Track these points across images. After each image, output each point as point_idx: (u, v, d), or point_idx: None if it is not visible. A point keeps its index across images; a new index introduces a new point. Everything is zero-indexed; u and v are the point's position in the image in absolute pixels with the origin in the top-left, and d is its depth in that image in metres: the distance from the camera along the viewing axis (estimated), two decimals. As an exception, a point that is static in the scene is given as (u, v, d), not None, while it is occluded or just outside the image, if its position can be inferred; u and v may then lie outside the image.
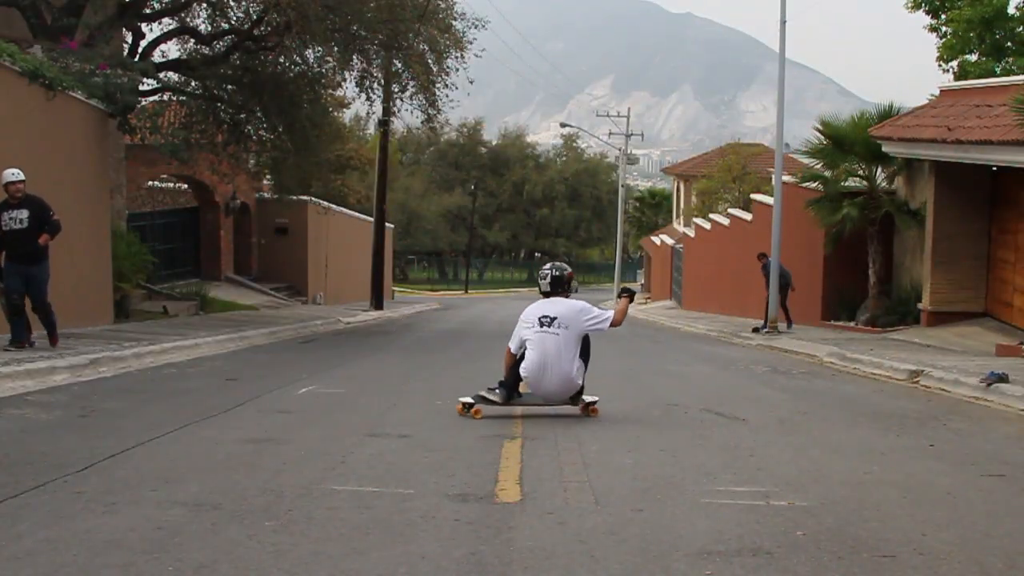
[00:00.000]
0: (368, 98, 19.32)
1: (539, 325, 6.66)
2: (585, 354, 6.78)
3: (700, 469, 4.90)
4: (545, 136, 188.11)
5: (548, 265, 7.14)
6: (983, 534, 3.74)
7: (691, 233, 34.09)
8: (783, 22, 17.31)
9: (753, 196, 25.91)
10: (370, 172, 35.37)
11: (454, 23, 18.73)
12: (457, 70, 18.87)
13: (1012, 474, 4.99)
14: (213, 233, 26.31)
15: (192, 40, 18.62)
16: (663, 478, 4.65)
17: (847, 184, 17.46)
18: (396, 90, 20.45)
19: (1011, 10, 23.00)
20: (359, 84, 18.78)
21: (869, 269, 17.06)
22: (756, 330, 17.04)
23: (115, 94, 13.76)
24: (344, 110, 34.20)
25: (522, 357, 6.70)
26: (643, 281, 60.72)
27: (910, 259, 17.10)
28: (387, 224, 32.26)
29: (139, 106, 16.03)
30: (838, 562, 3.30)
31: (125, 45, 17.58)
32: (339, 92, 23.91)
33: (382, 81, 19.52)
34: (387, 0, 16.35)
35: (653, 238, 49.52)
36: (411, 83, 19.29)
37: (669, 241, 41.96)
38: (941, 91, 17.06)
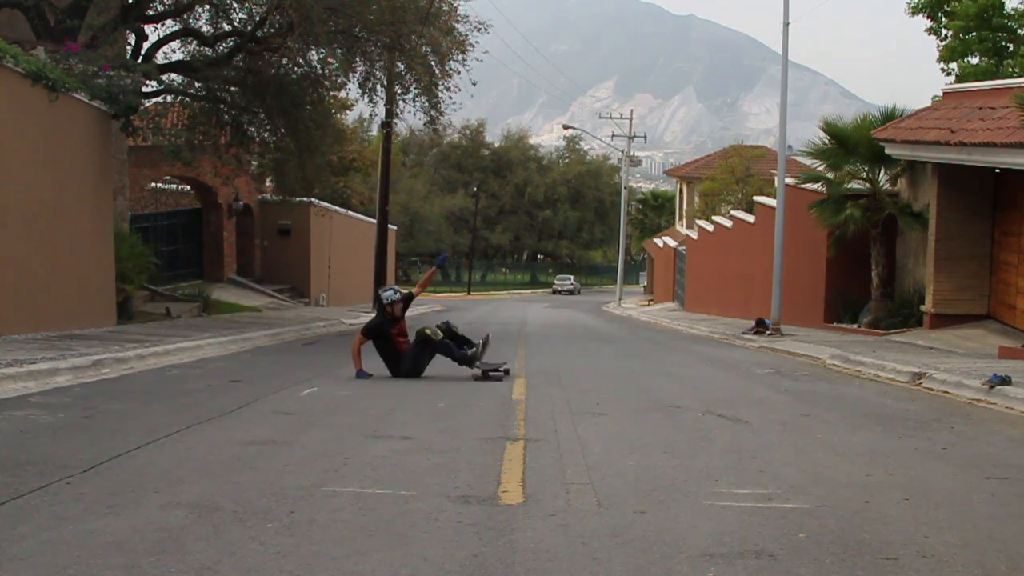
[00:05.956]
0: (371, 100, 19.34)
1: None
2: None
3: (702, 471, 4.90)
4: (548, 138, 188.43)
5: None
6: (986, 536, 3.74)
7: (694, 235, 34.10)
8: (786, 24, 17.32)
9: (756, 198, 25.90)
10: (373, 174, 35.42)
11: (457, 25, 18.74)
12: (459, 72, 18.89)
13: (1015, 476, 4.98)
14: (216, 235, 26.37)
15: (195, 42, 18.65)
16: (665, 480, 4.65)
17: (850, 186, 17.46)
18: (399, 92, 20.49)
19: (1009, 9, 23.02)
20: (362, 86, 18.80)
21: (872, 271, 17.05)
22: (758, 332, 17.02)
23: (118, 96, 13.79)
24: (347, 112, 34.32)
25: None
26: (646, 283, 60.76)
27: (913, 261, 17.08)
28: (390, 226, 32.28)
29: (142, 108, 16.05)
30: (840, 564, 3.30)
31: (128, 47, 17.61)
32: (342, 94, 23.96)
33: (385, 83, 19.54)
34: (389, 2, 16.36)
35: (656, 240, 49.53)
36: (414, 85, 19.31)
37: (672, 243, 41.98)
38: (944, 93, 17.05)
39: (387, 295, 9.76)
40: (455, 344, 9.55)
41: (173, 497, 4.07)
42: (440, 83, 18.95)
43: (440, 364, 10.34)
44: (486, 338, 9.70)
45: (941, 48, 24.52)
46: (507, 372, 9.58)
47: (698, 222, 34.01)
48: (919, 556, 3.43)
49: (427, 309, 33.61)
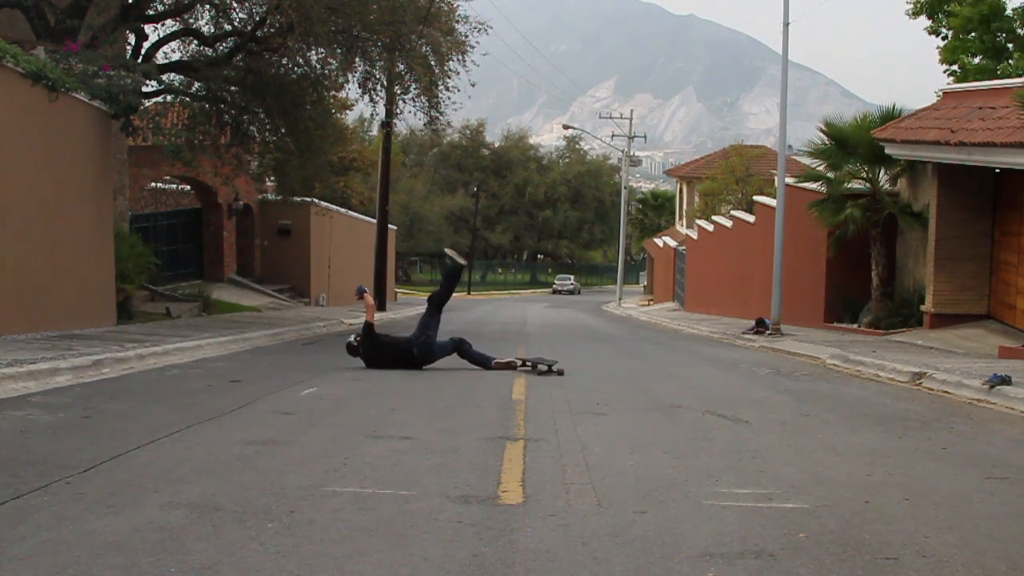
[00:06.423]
0: (371, 100, 19.34)
1: None
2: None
3: (702, 471, 4.90)
4: (548, 138, 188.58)
5: None
6: (986, 536, 3.74)
7: (694, 235, 34.11)
8: (786, 24, 17.32)
9: (756, 198, 25.91)
10: (373, 174, 35.44)
11: (456, 26, 18.74)
12: (458, 73, 18.88)
13: (1015, 476, 4.98)
14: (216, 234, 26.38)
15: (195, 42, 18.66)
16: (665, 480, 4.65)
17: (850, 186, 17.46)
18: (399, 92, 20.49)
19: (1009, 11, 23.03)
20: (362, 86, 18.81)
21: (872, 271, 17.05)
22: (758, 332, 17.02)
23: (118, 95, 13.78)
24: (347, 112, 34.34)
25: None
26: (646, 283, 60.78)
27: (913, 261, 17.09)
28: (390, 225, 32.30)
29: (142, 108, 16.05)
30: (840, 564, 3.30)
31: (128, 47, 17.61)
32: (342, 94, 23.97)
33: (385, 83, 19.54)
34: (389, 2, 16.36)
35: (656, 240, 49.54)
36: (413, 85, 19.31)
37: (672, 243, 41.99)
38: (944, 93, 17.06)
39: (353, 338, 10.52)
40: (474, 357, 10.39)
41: (173, 497, 4.07)
42: (440, 83, 18.95)
43: (441, 367, 10.36)
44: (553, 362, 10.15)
45: (941, 48, 24.53)
46: (560, 372, 9.80)
47: (698, 222, 34.02)
48: (919, 556, 3.43)
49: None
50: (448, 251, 10.95)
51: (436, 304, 10.54)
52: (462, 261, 10.90)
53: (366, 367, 10.25)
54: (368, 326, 10.33)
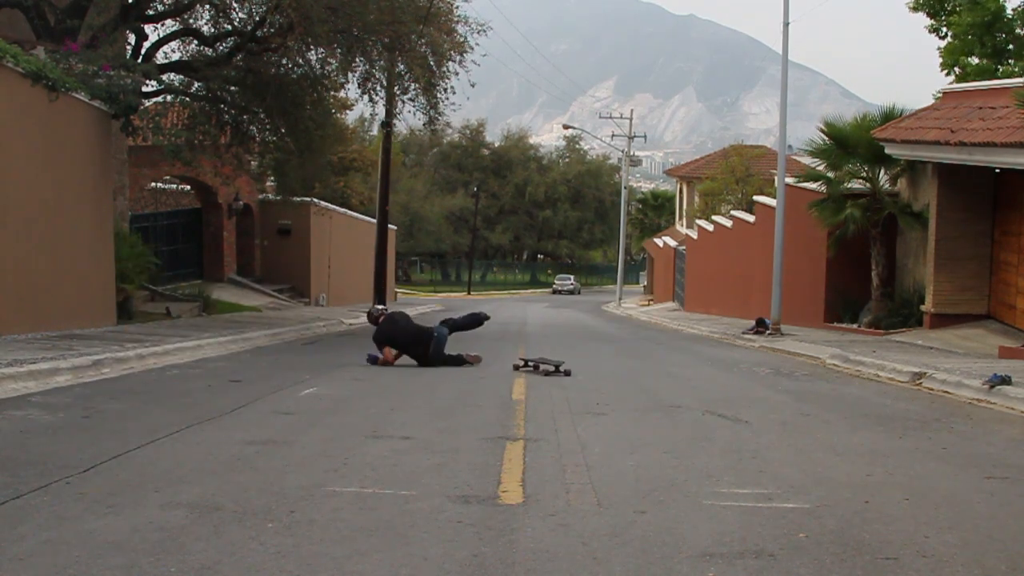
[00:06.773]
0: (371, 100, 19.32)
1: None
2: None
3: (702, 471, 4.90)
4: (548, 138, 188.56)
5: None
6: (986, 536, 3.74)
7: (694, 235, 34.11)
8: (786, 24, 17.32)
9: (756, 198, 25.90)
10: (373, 174, 35.44)
11: (456, 27, 18.73)
12: (456, 74, 18.88)
13: (1015, 476, 4.98)
14: (216, 234, 26.37)
15: (195, 42, 18.64)
16: (665, 480, 4.65)
17: (850, 186, 17.46)
18: (398, 92, 20.47)
19: (1009, 12, 23.04)
20: (361, 86, 18.78)
21: (872, 271, 17.05)
22: (758, 332, 17.03)
23: (118, 95, 13.78)
24: (347, 112, 34.35)
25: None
26: (646, 283, 60.79)
27: (913, 261, 17.09)
28: (390, 226, 32.29)
29: (142, 108, 16.04)
30: (840, 564, 3.30)
31: (128, 47, 17.60)
32: (342, 94, 23.96)
33: (384, 83, 19.52)
34: (389, 2, 16.35)
35: (656, 240, 49.54)
36: (413, 85, 19.31)
37: (672, 243, 41.99)
38: (944, 93, 17.05)
39: (378, 308, 11.41)
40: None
41: (173, 497, 4.07)
42: (439, 84, 18.94)
43: (441, 367, 10.37)
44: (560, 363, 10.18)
45: (942, 49, 24.53)
46: (568, 373, 9.87)
47: (698, 222, 34.02)
48: (919, 556, 3.43)
49: (427, 309, 33.62)
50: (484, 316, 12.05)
51: (451, 327, 11.11)
52: (488, 318, 12.05)
53: (375, 341, 10.80)
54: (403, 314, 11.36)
